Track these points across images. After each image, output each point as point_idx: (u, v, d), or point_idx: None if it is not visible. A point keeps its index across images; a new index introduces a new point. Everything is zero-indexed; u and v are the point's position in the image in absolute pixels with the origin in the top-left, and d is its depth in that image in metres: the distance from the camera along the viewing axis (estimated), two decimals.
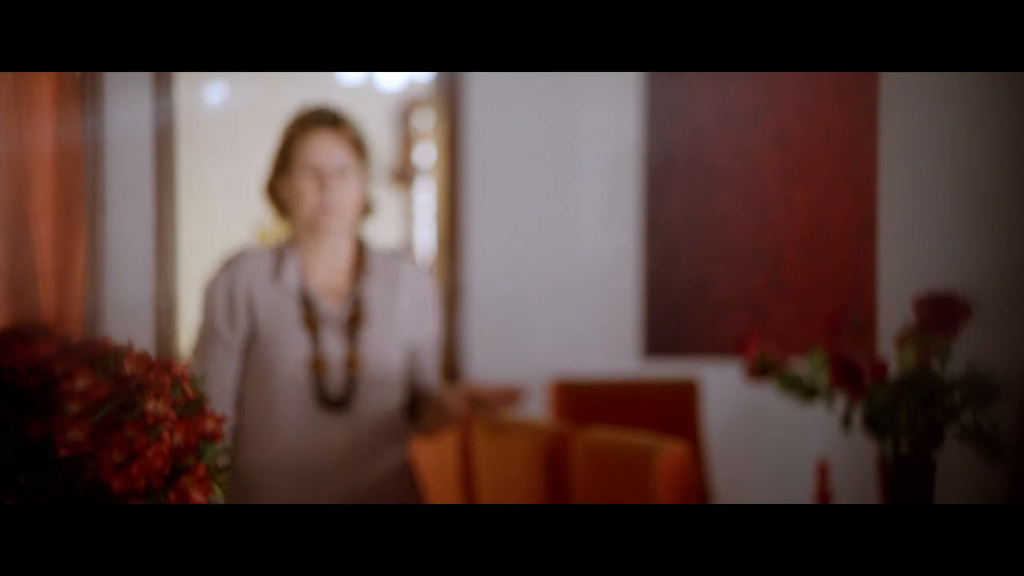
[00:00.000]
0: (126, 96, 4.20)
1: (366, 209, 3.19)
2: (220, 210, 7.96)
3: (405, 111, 7.99)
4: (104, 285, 4.13)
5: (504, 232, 4.83)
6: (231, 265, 3.08)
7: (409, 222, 8.16)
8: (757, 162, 4.97)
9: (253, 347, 3.04)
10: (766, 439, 4.82)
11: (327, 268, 3.11)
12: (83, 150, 2.50)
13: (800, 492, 3.16)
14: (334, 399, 3.02)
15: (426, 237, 7.81)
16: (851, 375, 2.78)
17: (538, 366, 4.73)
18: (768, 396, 3.24)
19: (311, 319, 3.04)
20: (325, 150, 3.07)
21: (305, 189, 3.05)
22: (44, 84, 2.00)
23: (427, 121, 7.45)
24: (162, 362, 1.56)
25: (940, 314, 2.83)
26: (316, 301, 3.06)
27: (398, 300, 3.12)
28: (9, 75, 1.68)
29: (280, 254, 3.10)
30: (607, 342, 4.88)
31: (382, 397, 3.07)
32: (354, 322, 3.07)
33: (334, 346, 3.04)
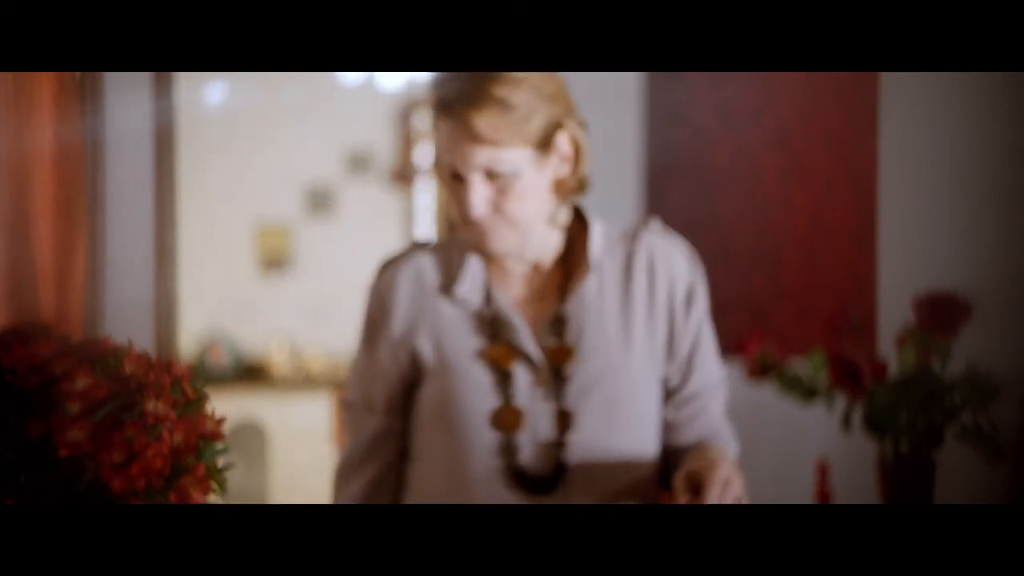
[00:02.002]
0: (126, 96, 4.20)
1: (572, 190, 2.06)
2: (220, 210, 7.96)
3: (405, 111, 7.99)
4: (104, 285, 4.13)
5: None
6: (396, 266, 2.12)
7: (409, 222, 8.16)
8: (757, 162, 4.97)
9: (420, 388, 2.08)
10: (766, 439, 4.82)
11: (522, 273, 2.10)
12: (83, 150, 2.50)
13: (800, 492, 3.16)
14: (534, 477, 1.95)
15: (426, 237, 7.81)
16: (851, 375, 2.78)
17: None
18: (768, 396, 3.24)
19: (499, 353, 2.03)
20: (459, 145, 1.96)
21: (450, 189, 2.04)
22: (44, 84, 2.00)
23: (427, 121, 7.45)
24: (162, 362, 1.56)
25: (940, 314, 2.83)
26: (508, 325, 2.05)
27: (633, 306, 2.07)
28: (9, 75, 1.68)
29: (459, 253, 2.10)
30: None
31: (614, 473, 1.98)
32: (560, 356, 2.03)
33: (533, 394, 2.01)
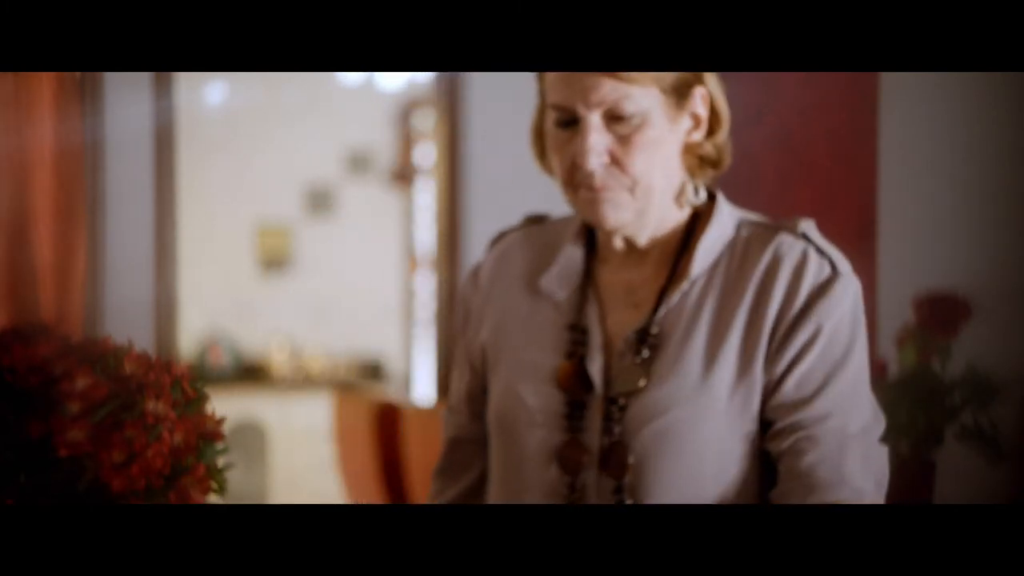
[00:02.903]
0: (126, 96, 4.20)
1: (706, 162, 1.73)
2: (220, 210, 7.96)
3: (405, 111, 7.98)
4: (104, 285, 4.13)
5: None
6: (494, 244, 1.88)
7: (409, 222, 8.16)
8: (757, 162, 4.97)
9: (490, 399, 1.77)
10: None
11: (629, 262, 1.71)
12: (83, 150, 2.50)
13: None
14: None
15: (426, 237, 7.81)
16: None
17: None
18: None
19: (567, 371, 1.67)
20: (579, 78, 1.62)
21: (555, 142, 1.67)
22: (44, 84, 2.00)
23: (427, 121, 7.45)
24: (162, 362, 1.56)
25: (940, 314, 2.83)
26: (586, 335, 1.69)
27: (730, 325, 1.63)
28: (9, 75, 1.68)
29: (557, 238, 1.78)
30: None
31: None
32: (629, 378, 1.64)
33: (598, 426, 1.66)
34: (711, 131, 1.71)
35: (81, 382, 1.45)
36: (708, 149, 1.71)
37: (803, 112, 4.97)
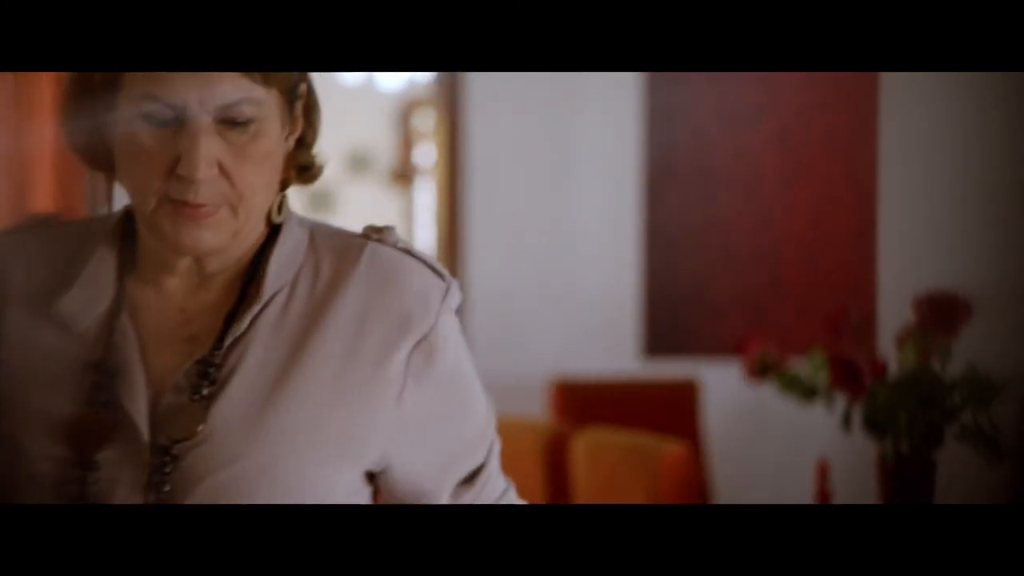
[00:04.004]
0: None
1: (301, 168, 1.42)
2: None
3: (405, 111, 7.99)
4: None
5: (504, 232, 4.83)
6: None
7: (409, 222, 8.16)
8: (757, 163, 4.97)
9: None
10: (766, 439, 4.81)
11: (182, 297, 1.36)
12: None
13: (800, 492, 3.16)
14: None
15: (426, 237, 7.82)
16: (851, 375, 2.78)
17: (538, 366, 4.73)
18: (768, 396, 3.24)
19: (89, 421, 1.31)
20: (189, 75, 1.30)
21: (131, 148, 1.31)
22: (44, 84, 2.00)
23: (427, 121, 7.45)
24: None
25: (940, 314, 2.83)
26: (120, 373, 1.32)
27: (320, 356, 1.33)
28: (9, 75, 1.68)
29: (78, 249, 1.38)
30: (607, 342, 4.88)
31: None
32: (182, 425, 1.30)
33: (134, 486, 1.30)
34: (308, 126, 1.40)
35: None
36: (306, 157, 1.40)
37: (803, 112, 4.97)
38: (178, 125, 1.27)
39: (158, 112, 1.28)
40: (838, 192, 4.96)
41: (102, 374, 1.31)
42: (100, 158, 1.33)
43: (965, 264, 3.03)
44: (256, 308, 1.32)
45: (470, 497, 1.42)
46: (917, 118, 3.39)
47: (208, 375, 1.30)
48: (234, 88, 1.28)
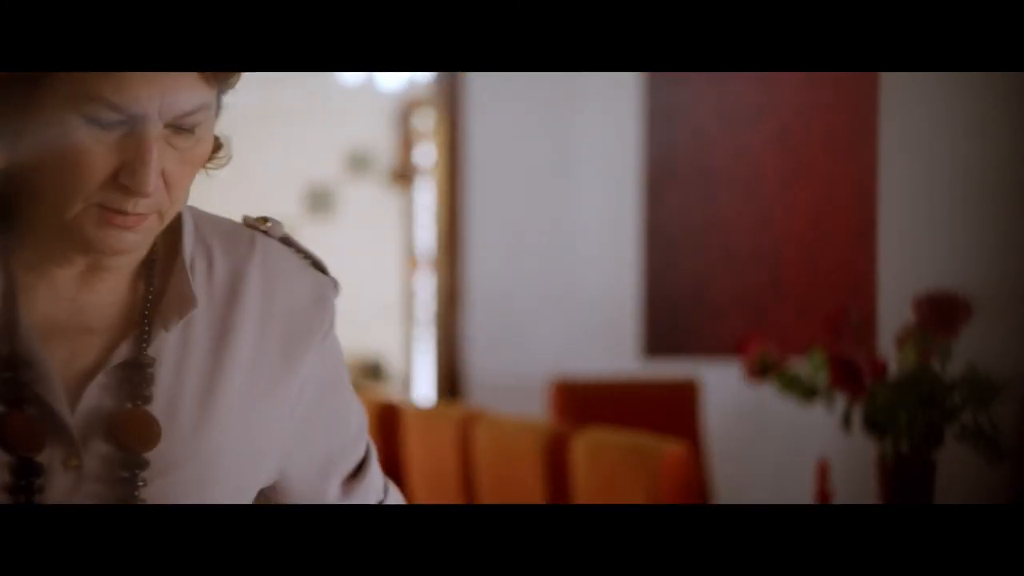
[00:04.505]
0: None
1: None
2: (220, 210, 7.96)
3: (405, 111, 7.99)
4: None
5: (504, 232, 4.83)
6: None
7: (409, 222, 8.16)
8: (757, 163, 4.97)
9: None
10: (766, 439, 4.81)
11: (73, 285, 1.23)
12: None
13: (800, 492, 3.16)
14: None
15: (426, 237, 7.82)
16: (851, 375, 2.78)
17: (538, 366, 4.73)
18: (768, 396, 3.24)
19: (26, 425, 1.19)
20: (141, 77, 1.20)
21: (76, 140, 1.18)
22: None
23: (427, 121, 7.45)
24: None
25: (940, 314, 2.83)
26: (30, 368, 1.19)
27: (234, 349, 1.26)
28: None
29: None
30: (607, 342, 4.88)
31: None
32: (125, 427, 1.21)
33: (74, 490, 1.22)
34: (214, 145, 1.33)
35: None
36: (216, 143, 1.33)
37: (803, 112, 4.97)
38: (126, 131, 1.16)
39: (103, 116, 1.16)
40: (838, 192, 4.96)
41: (13, 368, 1.18)
42: None
43: (965, 264, 3.03)
44: (189, 310, 1.23)
45: (360, 489, 1.37)
46: (917, 118, 3.39)
47: (146, 376, 1.20)
48: (192, 95, 1.20)
